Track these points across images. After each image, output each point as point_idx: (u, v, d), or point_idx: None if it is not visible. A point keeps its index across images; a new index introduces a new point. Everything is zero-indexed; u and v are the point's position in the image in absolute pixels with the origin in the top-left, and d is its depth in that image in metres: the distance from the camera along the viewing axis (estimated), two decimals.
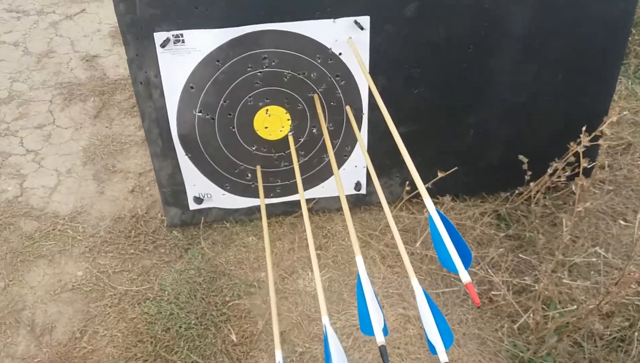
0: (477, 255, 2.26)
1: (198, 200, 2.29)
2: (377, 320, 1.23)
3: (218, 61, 1.95)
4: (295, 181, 2.31)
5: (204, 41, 1.91)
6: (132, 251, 2.32)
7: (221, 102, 2.04)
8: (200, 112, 2.05)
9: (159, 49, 1.90)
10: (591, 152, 2.42)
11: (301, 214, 2.47)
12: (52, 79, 3.24)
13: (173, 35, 1.89)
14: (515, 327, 2.02)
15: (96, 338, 2.03)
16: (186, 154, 2.14)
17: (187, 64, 1.94)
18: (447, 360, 1.19)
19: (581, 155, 2.11)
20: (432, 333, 1.24)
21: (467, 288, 1.14)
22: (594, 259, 1.91)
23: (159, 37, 1.88)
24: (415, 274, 2.28)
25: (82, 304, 2.13)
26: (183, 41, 1.90)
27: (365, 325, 1.24)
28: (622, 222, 2.42)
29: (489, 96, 2.26)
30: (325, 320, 1.42)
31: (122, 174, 2.69)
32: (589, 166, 2.46)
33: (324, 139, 2.24)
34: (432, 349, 1.23)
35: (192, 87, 1.99)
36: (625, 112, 2.53)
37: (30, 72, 3.32)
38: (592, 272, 2.14)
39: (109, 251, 2.33)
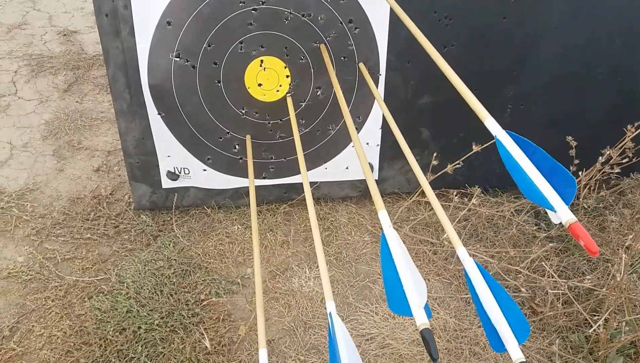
0: (516, 254, 1.82)
1: (173, 176, 1.86)
2: (415, 293, 0.79)
3: None
4: (293, 160, 1.90)
5: None
6: (89, 235, 1.88)
7: (204, 45, 1.63)
8: (178, 56, 1.64)
9: None
10: None
11: (298, 203, 2.03)
12: (21, 50, 2.86)
13: None
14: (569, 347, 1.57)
15: (29, 339, 1.57)
16: (159, 114, 1.72)
17: None
18: (522, 359, 0.75)
19: None
20: (498, 323, 0.80)
21: (571, 231, 0.71)
22: None
23: None
24: (439, 275, 1.85)
25: (18, 296, 1.68)
26: None
27: (397, 301, 0.80)
28: None
29: (532, 63, 1.86)
30: (330, 306, 0.98)
31: (88, 152, 2.27)
32: None
33: (329, 105, 1.82)
34: (497, 345, 0.79)
35: (168, 23, 1.59)
36: None
37: None
38: None
39: (61, 235, 1.88)
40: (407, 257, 0.86)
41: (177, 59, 1.64)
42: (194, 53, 1.64)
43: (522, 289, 1.69)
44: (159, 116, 1.73)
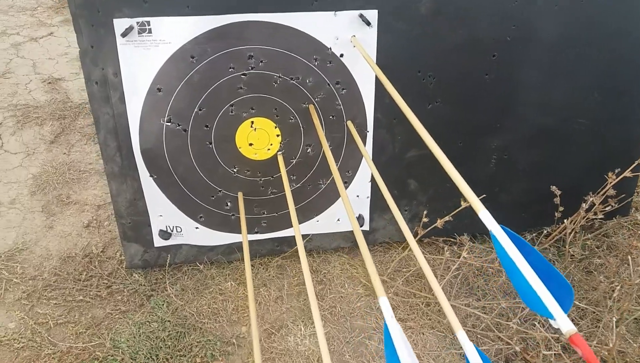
0: (508, 306, 1.85)
1: (165, 235, 1.86)
2: None
3: (193, 58, 1.59)
4: (285, 214, 1.92)
5: (175, 32, 1.55)
6: (81, 297, 1.86)
7: (195, 110, 1.66)
8: (169, 121, 1.66)
9: (119, 40, 1.53)
10: (626, 186, 2.07)
11: (291, 255, 2.04)
12: (6, 100, 2.84)
13: (137, 22, 1.52)
14: None
15: None
16: (151, 176, 1.73)
17: (153, 60, 1.57)
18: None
19: None
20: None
21: (571, 343, 0.73)
22: None
23: (120, 24, 1.52)
24: (433, 329, 1.86)
25: None
26: (150, 31, 1.54)
27: None
28: None
29: (514, 116, 1.91)
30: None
31: (77, 207, 2.26)
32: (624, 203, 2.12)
33: (319, 161, 1.85)
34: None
35: (159, 90, 1.61)
36: None
37: None
38: None
39: (52, 298, 1.87)
40: (411, 353, 0.87)
41: (169, 124, 1.66)
42: (185, 117, 1.66)
43: (512, 343, 1.71)
44: (150, 178, 1.73)
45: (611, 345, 1.41)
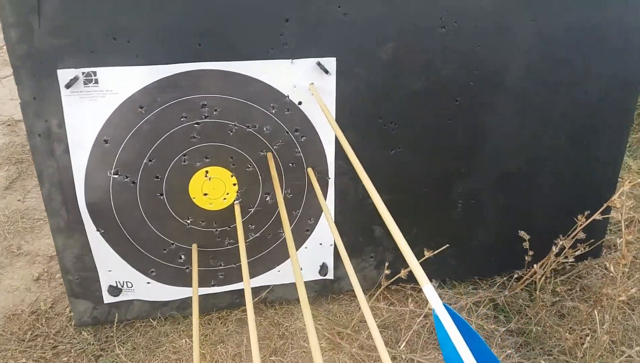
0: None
1: (115, 291, 1.75)
2: None
3: (142, 108, 1.52)
4: (247, 264, 1.83)
5: (123, 82, 1.48)
6: (24, 360, 1.74)
7: (145, 161, 1.58)
8: (116, 174, 1.58)
9: (63, 91, 1.46)
10: (597, 229, 2.04)
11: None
12: None
13: (83, 73, 1.45)
14: None
15: None
16: (97, 230, 1.64)
17: (100, 111, 1.50)
18: None
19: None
20: None
21: None
22: None
23: (64, 75, 1.44)
24: None
25: None
26: (96, 81, 1.47)
27: None
28: None
29: (481, 161, 1.87)
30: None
31: (29, 258, 2.14)
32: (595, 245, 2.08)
33: (279, 210, 1.78)
34: None
35: (106, 141, 1.53)
36: (635, 181, 2.18)
37: None
38: None
39: None
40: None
41: (116, 176, 1.58)
42: (133, 169, 1.58)
43: None
44: (97, 233, 1.64)
45: None
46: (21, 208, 2.38)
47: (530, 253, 1.89)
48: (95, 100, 1.48)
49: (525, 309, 1.99)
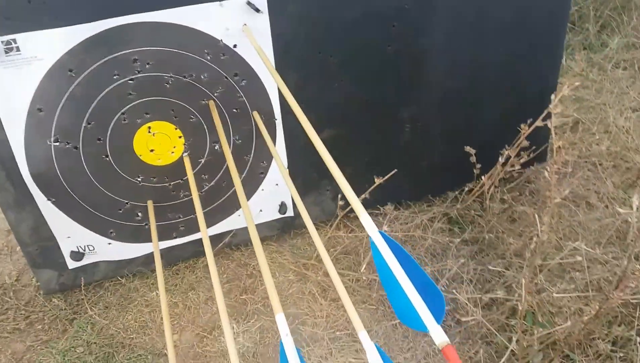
0: (434, 270, 1.88)
1: (77, 255, 1.76)
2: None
3: (71, 71, 1.46)
4: (207, 212, 1.85)
5: (47, 46, 1.41)
6: None
7: (84, 125, 1.54)
8: (56, 141, 1.54)
9: None
10: (541, 134, 2.12)
11: (217, 253, 1.99)
12: None
13: (2, 42, 1.38)
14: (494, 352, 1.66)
15: None
16: (48, 200, 1.62)
17: (28, 80, 1.44)
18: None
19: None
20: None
21: (444, 353, 0.73)
22: (578, 258, 1.56)
23: None
24: (364, 303, 1.88)
25: None
26: (17, 49, 1.40)
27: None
28: (585, 208, 2.12)
29: (422, 83, 1.89)
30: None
31: None
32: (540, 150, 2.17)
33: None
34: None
35: (40, 110, 1.48)
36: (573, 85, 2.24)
37: None
38: (570, 272, 1.80)
39: None
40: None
41: (57, 144, 1.54)
42: (73, 134, 1.54)
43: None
44: (49, 202, 1.62)
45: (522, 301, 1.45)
46: None
47: (479, 166, 1.97)
48: (20, 68, 1.41)
49: (477, 219, 2.10)
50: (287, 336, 0.92)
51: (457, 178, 2.14)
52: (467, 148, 1.92)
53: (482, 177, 2.03)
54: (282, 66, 1.64)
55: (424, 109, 1.93)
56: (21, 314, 1.81)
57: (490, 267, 1.85)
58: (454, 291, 1.77)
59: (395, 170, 1.87)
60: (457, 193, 2.18)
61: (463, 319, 1.71)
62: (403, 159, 2.00)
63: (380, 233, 0.88)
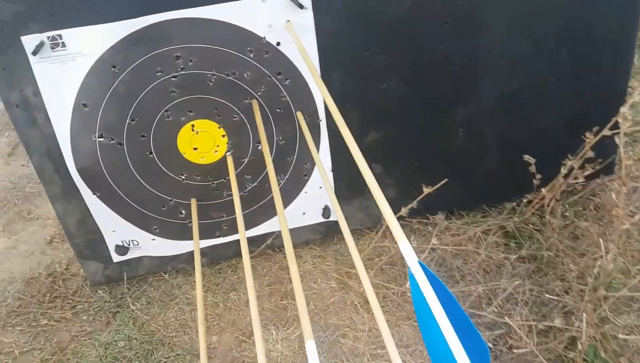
0: (486, 289, 1.76)
1: (122, 249, 1.79)
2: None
3: (114, 67, 1.47)
4: (247, 213, 1.82)
5: (91, 42, 1.43)
6: (46, 321, 1.81)
7: (128, 121, 1.55)
8: (101, 137, 1.56)
9: (31, 59, 1.42)
10: (608, 144, 1.93)
11: (260, 254, 1.96)
12: None
13: (48, 37, 1.41)
14: None
15: None
16: (94, 194, 1.65)
17: (73, 75, 1.46)
18: None
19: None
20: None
21: None
22: None
23: (29, 42, 1.40)
24: (410, 319, 1.78)
25: None
26: (63, 44, 1.42)
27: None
28: None
29: (477, 84, 1.77)
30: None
31: (40, 222, 2.19)
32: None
33: (274, 157, 1.74)
34: None
35: (85, 105, 1.51)
36: None
37: None
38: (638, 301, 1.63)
39: (17, 324, 1.82)
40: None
41: (101, 139, 1.56)
42: (117, 130, 1.56)
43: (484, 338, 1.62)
44: (94, 196, 1.65)
45: (584, 333, 1.31)
46: (26, 173, 2.42)
47: (538, 176, 1.82)
48: (66, 64, 1.44)
49: (536, 234, 1.95)
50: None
51: (515, 188, 1.99)
52: (526, 157, 1.77)
53: (542, 189, 1.87)
54: (327, 65, 1.58)
55: (479, 113, 1.81)
56: (68, 303, 1.86)
57: (547, 296, 1.69)
58: (506, 315, 1.63)
59: (446, 179, 1.76)
60: (514, 204, 2.03)
61: (515, 351, 1.58)
62: (456, 165, 1.89)
63: (420, 264, 0.78)
